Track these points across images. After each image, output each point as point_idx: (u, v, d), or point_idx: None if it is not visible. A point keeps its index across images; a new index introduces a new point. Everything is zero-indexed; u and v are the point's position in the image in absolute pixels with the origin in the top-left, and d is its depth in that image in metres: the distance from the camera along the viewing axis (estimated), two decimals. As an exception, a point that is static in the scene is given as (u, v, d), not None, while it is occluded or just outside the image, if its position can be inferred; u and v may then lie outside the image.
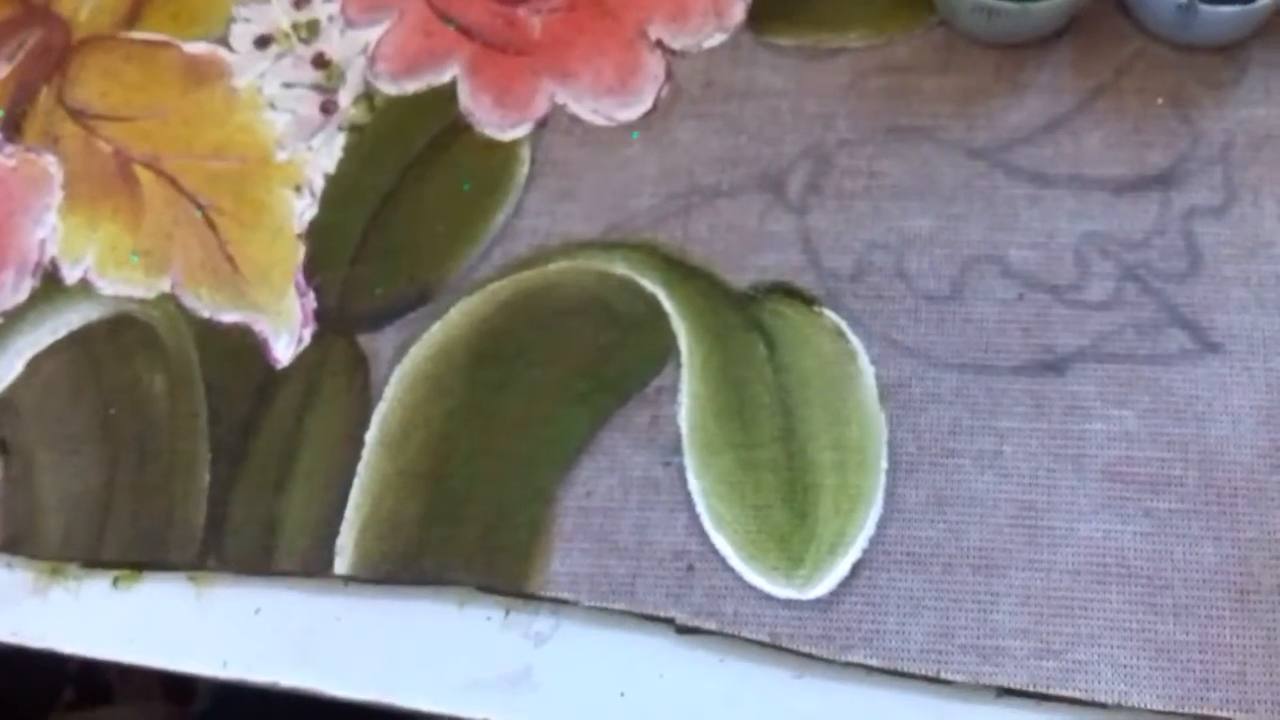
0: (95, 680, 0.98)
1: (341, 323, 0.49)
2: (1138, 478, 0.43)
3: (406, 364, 0.48)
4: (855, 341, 0.46)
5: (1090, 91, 0.50)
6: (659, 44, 0.53)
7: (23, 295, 0.52)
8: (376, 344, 0.49)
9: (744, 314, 0.48)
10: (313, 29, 0.55)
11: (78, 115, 0.54)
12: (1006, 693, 0.41)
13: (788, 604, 0.43)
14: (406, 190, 0.51)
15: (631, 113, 0.52)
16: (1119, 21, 0.51)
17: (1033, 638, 0.41)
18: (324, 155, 0.52)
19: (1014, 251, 0.47)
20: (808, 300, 0.47)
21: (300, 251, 0.51)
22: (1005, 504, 0.43)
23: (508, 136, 0.52)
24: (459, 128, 0.52)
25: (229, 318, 0.50)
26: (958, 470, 0.44)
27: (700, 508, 0.45)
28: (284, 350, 0.49)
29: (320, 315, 0.50)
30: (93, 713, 0.98)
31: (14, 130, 0.55)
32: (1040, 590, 0.42)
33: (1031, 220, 0.48)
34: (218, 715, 0.81)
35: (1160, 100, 0.49)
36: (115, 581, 0.47)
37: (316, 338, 0.49)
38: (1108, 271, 0.47)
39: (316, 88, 0.54)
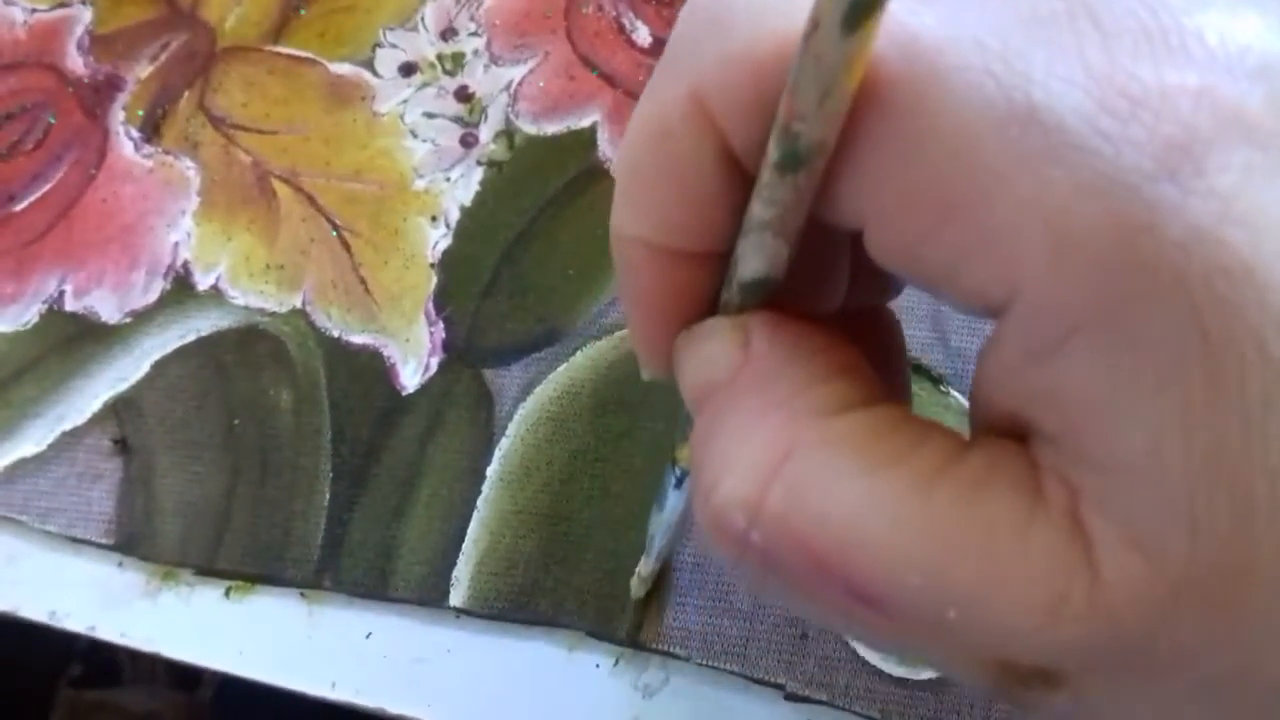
0: (102, 658, 0.98)
1: (469, 355, 0.50)
2: None
3: (530, 403, 0.49)
4: (981, 425, 0.47)
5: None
6: (800, 110, 0.53)
7: (152, 296, 0.52)
8: (501, 380, 0.49)
9: (870, 386, 0.48)
10: (458, 61, 0.56)
11: (218, 123, 0.55)
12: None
13: (900, 682, 0.43)
14: (541, 230, 0.52)
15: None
16: None
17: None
18: (461, 187, 0.53)
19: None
20: (935, 379, 0.48)
21: (432, 281, 0.51)
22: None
23: (645, 186, 0.52)
24: (597, 173, 0.53)
25: (358, 339, 0.50)
26: (1075, 563, 0.44)
27: (816, 575, 0.45)
28: (411, 377, 0.49)
29: (448, 346, 0.50)
30: (107, 693, 0.98)
31: (153, 131, 0.55)
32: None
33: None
34: (224, 703, 0.81)
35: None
36: (228, 592, 0.47)
37: (443, 367, 0.50)
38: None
39: (458, 120, 0.54)
